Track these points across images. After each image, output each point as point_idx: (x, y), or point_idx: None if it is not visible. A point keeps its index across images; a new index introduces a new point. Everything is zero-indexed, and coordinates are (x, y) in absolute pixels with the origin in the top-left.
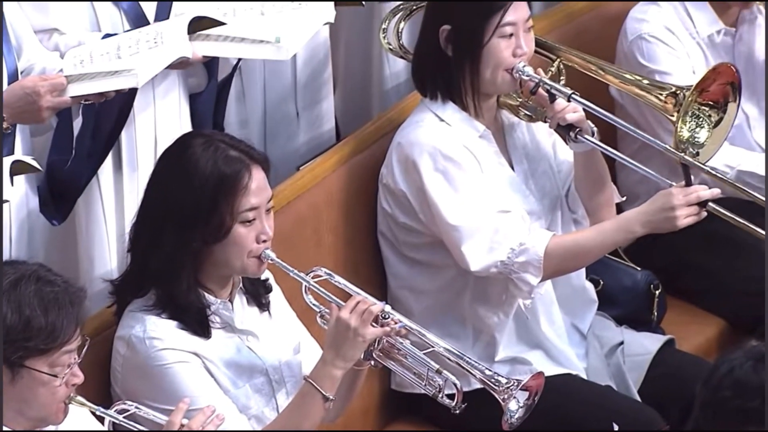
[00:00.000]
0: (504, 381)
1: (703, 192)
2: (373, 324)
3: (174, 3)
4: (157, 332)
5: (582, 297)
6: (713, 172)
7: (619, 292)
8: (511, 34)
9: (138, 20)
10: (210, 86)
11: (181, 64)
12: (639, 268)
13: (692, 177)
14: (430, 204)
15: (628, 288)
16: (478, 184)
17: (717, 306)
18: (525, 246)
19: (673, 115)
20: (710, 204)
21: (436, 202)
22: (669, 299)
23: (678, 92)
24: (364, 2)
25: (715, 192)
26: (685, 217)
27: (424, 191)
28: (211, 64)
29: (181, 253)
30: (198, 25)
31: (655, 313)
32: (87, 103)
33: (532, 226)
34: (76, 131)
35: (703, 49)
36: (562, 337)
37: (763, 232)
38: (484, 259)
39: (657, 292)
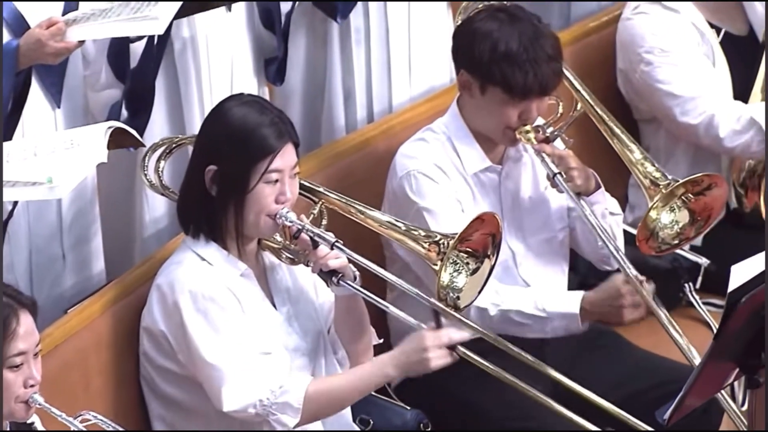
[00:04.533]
0: None
1: (454, 334)
2: None
3: None
4: None
5: None
6: (466, 321)
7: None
8: (277, 180)
9: None
10: None
11: None
12: (408, 408)
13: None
14: (189, 344)
15: (398, 427)
16: (240, 324)
17: None
18: (285, 388)
19: (436, 264)
20: (459, 348)
21: (196, 342)
22: None
23: (441, 240)
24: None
25: (464, 335)
26: (437, 359)
27: (184, 331)
28: None
29: None
30: None
31: None
32: None
33: (295, 364)
34: None
35: (471, 186)
36: None
37: None
38: (243, 399)
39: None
